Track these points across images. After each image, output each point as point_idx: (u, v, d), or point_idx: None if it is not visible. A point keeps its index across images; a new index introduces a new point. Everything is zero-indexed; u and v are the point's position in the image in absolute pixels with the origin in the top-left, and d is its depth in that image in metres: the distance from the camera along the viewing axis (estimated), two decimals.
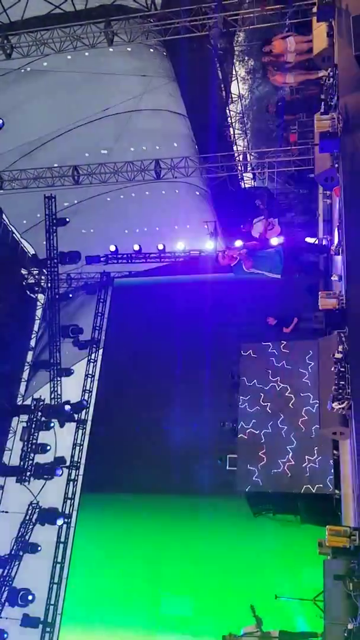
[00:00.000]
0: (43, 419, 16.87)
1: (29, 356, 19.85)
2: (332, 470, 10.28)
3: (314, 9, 9.67)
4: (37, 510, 15.85)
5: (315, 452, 10.68)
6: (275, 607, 11.05)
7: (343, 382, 6.21)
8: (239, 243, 15.62)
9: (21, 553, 15.45)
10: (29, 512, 15.86)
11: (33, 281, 20.40)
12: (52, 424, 16.86)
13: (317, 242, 12.91)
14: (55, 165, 15.83)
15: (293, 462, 10.79)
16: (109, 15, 12.92)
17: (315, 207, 14.53)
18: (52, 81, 15.42)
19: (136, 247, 18.26)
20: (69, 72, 15.15)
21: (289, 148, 14.25)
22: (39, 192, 16.29)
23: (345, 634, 5.40)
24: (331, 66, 8.45)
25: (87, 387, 17.84)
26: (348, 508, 8.45)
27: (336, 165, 7.81)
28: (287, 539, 12.73)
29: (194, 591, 13.13)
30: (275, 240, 14.59)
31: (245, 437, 11.41)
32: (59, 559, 15.52)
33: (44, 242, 17.86)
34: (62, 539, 15.78)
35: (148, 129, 16.48)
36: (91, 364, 18.19)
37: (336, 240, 9.30)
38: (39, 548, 15.54)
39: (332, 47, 8.73)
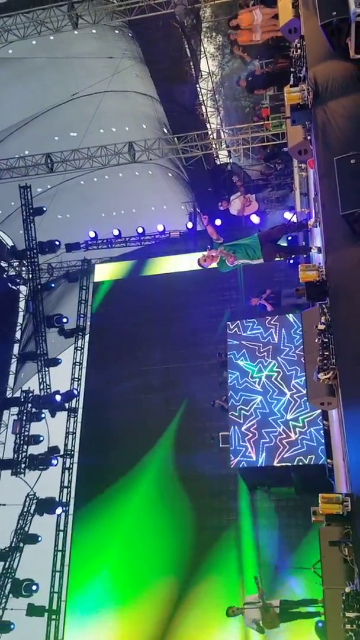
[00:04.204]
0: (33, 410, 16.87)
1: (15, 349, 19.77)
2: (323, 441, 10.44)
3: None
4: (34, 501, 15.93)
5: (306, 423, 10.83)
6: (276, 577, 11.29)
7: (327, 353, 6.23)
8: (218, 222, 15.65)
9: (22, 545, 15.55)
10: (27, 503, 15.92)
11: (14, 273, 20.26)
12: (42, 415, 16.86)
13: (294, 217, 12.92)
14: (27, 152, 15.64)
15: (284, 435, 10.93)
16: None
17: (291, 181, 14.53)
18: (19, 68, 15.19)
19: (115, 232, 18.18)
20: (36, 58, 14.93)
21: (261, 123, 14.18)
22: (13, 182, 16.13)
23: (344, 597, 5.50)
24: (298, 37, 8.35)
25: (76, 376, 17.81)
26: (339, 476, 8.58)
27: (309, 137, 7.77)
28: (284, 511, 12.92)
29: (194, 567, 13.27)
30: (254, 218, 14.67)
31: (236, 413, 11.52)
32: (60, 547, 15.62)
33: (21, 232, 17.69)
34: (62, 527, 15.87)
35: (116, 111, 16.32)
36: (78, 352, 18.17)
37: (313, 213, 9.30)
38: (40, 538, 15.64)
39: (298, 18, 8.62)
